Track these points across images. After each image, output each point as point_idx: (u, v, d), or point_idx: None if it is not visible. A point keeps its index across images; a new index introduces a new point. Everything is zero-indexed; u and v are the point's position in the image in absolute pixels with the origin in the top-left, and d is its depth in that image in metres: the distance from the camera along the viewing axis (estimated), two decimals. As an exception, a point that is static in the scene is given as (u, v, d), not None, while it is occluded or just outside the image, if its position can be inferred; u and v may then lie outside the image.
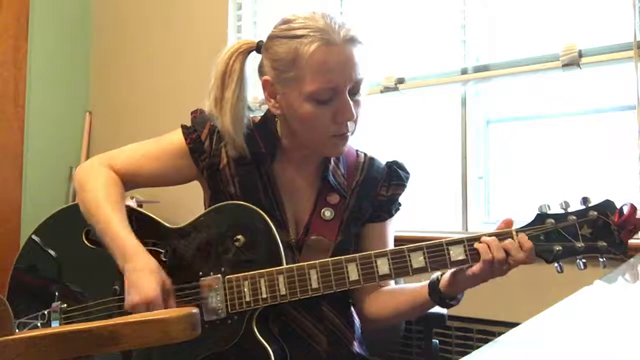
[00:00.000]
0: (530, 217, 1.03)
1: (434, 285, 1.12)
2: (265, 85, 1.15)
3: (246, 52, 1.19)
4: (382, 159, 1.29)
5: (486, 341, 0.62)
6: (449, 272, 1.10)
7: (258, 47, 1.17)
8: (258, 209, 1.12)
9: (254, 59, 1.21)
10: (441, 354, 1.88)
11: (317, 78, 1.06)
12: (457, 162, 2.05)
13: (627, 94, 1.72)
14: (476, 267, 1.04)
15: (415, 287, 1.17)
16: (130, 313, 1.12)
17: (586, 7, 1.87)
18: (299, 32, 1.07)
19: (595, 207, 0.99)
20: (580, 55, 1.75)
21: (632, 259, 1.01)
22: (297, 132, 1.15)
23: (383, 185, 1.25)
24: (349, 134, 1.14)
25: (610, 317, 0.67)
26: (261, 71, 1.17)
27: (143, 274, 1.06)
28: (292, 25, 1.09)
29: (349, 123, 1.11)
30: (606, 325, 0.63)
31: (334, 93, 1.08)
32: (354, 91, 1.11)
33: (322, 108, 1.08)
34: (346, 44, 1.07)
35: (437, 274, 1.12)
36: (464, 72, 2.04)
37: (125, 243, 1.10)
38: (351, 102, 1.09)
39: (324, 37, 1.06)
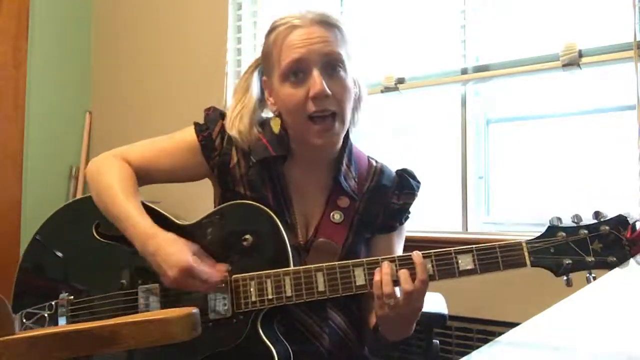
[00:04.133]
0: (536, 224, 1.03)
1: (377, 323, 1.13)
2: (264, 86, 1.20)
3: (255, 65, 1.25)
4: (393, 167, 1.29)
5: (486, 341, 0.62)
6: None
7: None
8: (267, 210, 1.12)
9: None
10: (441, 354, 1.88)
11: (284, 56, 1.11)
12: (457, 162, 2.05)
13: (627, 94, 1.72)
14: (375, 307, 1.05)
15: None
16: (139, 309, 1.12)
17: (586, 7, 1.87)
18: (276, 24, 1.15)
19: (607, 222, 0.99)
20: (580, 55, 1.75)
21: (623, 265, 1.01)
22: (288, 124, 1.16)
23: (394, 193, 1.24)
24: (335, 119, 1.11)
25: (611, 316, 0.67)
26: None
27: (169, 248, 1.06)
28: (272, 24, 1.17)
29: (326, 101, 1.10)
30: (607, 324, 0.63)
31: (303, 69, 1.10)
32: (332, 69, 1.12)
33: (297, 88, 1.11)
34: (312, 23, 1.12)
35: None
36: (464, 72, 2.03)
37: (144, 227, 1.10)
38: (326, 79, 1.09)
39: (291, 21, 1.12)
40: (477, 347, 0.52)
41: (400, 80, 2.12)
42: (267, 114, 1.25)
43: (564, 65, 1.76)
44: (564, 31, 1.86)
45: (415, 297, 1.02)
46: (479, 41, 2.05)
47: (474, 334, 1.89)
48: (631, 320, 0.63)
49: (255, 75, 1.24)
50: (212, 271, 1.08)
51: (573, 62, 1.75)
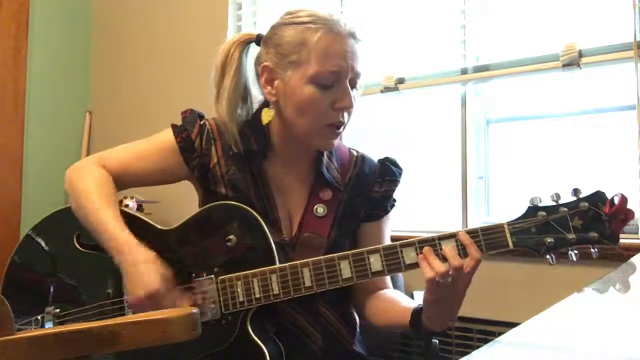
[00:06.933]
0: (522, 210, 1.03)
1: (416, 314, 1.11)
2: (264, 71, 1.17)
3: (245, 43, 1.23)
4: (374, 156, 1.30)
5: (486, 341, 0.62)
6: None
7: (258, 39, 1.20)
8: (249, 209, 1.12)
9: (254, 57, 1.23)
10: (441, 354, 1.87)
11: (322, 61, 1.10)
12: (457, 162, 2.05)
13: (627, 94, 1.72)
14: (425, 290, 1.04)
15: (407, 307, 1.15)
16: (127, 314, 1.12)
17: (586, 7, 1.87)
18: (306, 19, 1.12)
19: (586, 198, 0.99)
20: (580, 55, 1.75)
21: (624, 265, 1.01)
22: (291, 120, 1.15)
23: (376, 181, 1.25)
24: (342, 128, 1.15)
25: (611, 317, 0.67)
26: (259, 61, 1.19)
27: (142, 267, 1.06)
28: (298, 14, 1.14)
29: (345, 114, 1.13)
30: (607, 325, 0.63)
31: (336, 79, 1.11)
32: (352, 85, 1.13)
33: (323, 93, 1.11)
34: (349, 36, 1.12)
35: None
36: (464, 72, 2.03)
37: (121, 238, 1.10)
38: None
39: (329, 25, 1.11)
40: (477, 347, 0.52)
41: (400, 80, 2.12)
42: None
43: (564, 65, 1.76)
44: (564, 31, 1.86)
45: (467, 272, 1.00)
46: (479, 41, 2.05)
47: (474, 334, 1.89)
48: (631, 321, 0.63)
49: (245, 55, 1.22)
50: (176, 303, 1.08)
51: (573, 62, 1.75)
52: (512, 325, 0.58)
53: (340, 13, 2.35)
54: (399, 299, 1.21)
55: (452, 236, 1.03)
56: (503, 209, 2.02)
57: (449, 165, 2.10)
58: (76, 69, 3.05)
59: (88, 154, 2.98)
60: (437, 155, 2.17)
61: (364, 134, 2.23)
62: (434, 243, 1.03)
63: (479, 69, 2.01)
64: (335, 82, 1.11)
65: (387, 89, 2.12)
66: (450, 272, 0.99)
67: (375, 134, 2.27)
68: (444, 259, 1.01)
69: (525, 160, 2.00)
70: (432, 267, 1.00)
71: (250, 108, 1.25)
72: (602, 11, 1.83)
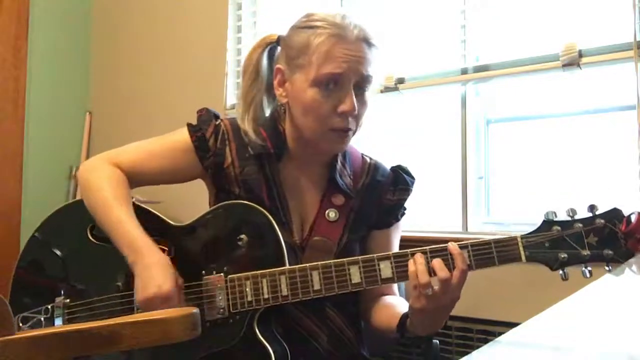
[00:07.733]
0: (536, 224, 1.02)
1: (403, 319, 1.11)
2: (277, 73, 1.18)
3: (265, 45, 1.22)
4: (387, 163, 1.30)
5: (486, 341, 0.62)
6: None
7: (278, 40, 1.20)
8: (262, 209, 1.13)
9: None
10: (441, 354, 1.88)
11: (322, 64, 1.09)
12: (457, 162, 2.05)
13: (627, 94, 1.72)
14: (410, 298, 1.04)
15: (399, 312, 1.14)
16: (136, 310, 1.12)
17: (586, 7, 1.87)
18: (316, 24, 1.12)
19: (602, 215, 0.99)
20: (580, 55, 1.75)
21: (624, 264, 1.01)
22: (299, 122, 1.15)
23: (389, 189, 1.25)
24: (350, 132, 1.14)
25: (611, 316, 0.67)
26: (275, 63, 1.20)
27: (157, 268, 1.06)
28: (311, 18, 1.14)
29: (350, 119, 1.12)
30: (607, 324, 0.63)
31: (337, 83, 1.10)
32: (360, 89, 1.12)
33: (326, 96, 1.10)
34: (358, 40, 1.11)
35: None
36: (464, 72, 2.03)
37: (136, 239, 1.10)
38: (354, 98, 1.10)
39: (336, 30, 1.10)
40: (477, 347, 0.52)
41: (400, 80, 2.12)
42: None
43: (564, 65, 1.76)
44: (564, 31, 1.85)
45: (454, 286, 1.00)
46: (479, 41, 2.05)
47: (474, 334, 1.89)
48: (631, 320, 0.63)
49: (265, 57, 1.22)
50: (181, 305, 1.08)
51: (573, 62, 1.75)
52: (512, 325, 0.58)
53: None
54: (395, 304, 1.21)
55: (465, 247, 1.02)
56: (503, 209, 2.02)
57: (449, 165, 2.10)
58: (76, 69, 3.06)
59: (88, 154, 2.98)
60: (437, 155, 2.17)
61: (363, 134, 2.23)
62: (445, 252, 1.02)
63: (479, 69, 2.01)
64: (337, 86, 1.10)
65: (387, 89, 2.12)
66: (434, 285, 0.99)
67: (375, 134, 2.27)
68: (433, 271, 1.00)
69: (525, 161, 2.00)
70: (419, 277, 1.00)
71: (275, 108, 1.25)
72: (602, 11, 1.83)
